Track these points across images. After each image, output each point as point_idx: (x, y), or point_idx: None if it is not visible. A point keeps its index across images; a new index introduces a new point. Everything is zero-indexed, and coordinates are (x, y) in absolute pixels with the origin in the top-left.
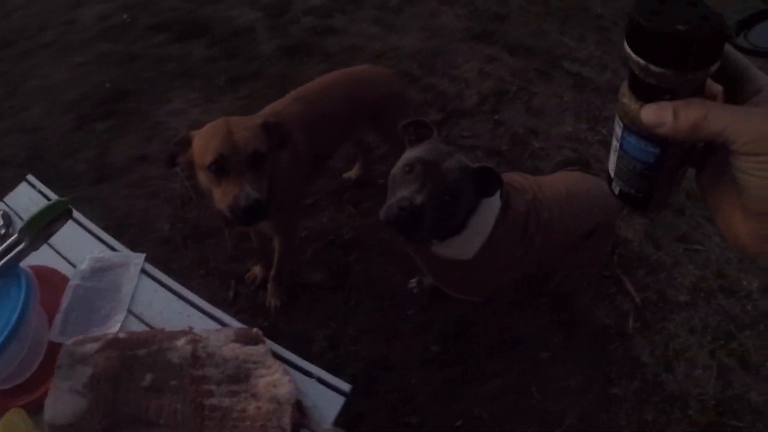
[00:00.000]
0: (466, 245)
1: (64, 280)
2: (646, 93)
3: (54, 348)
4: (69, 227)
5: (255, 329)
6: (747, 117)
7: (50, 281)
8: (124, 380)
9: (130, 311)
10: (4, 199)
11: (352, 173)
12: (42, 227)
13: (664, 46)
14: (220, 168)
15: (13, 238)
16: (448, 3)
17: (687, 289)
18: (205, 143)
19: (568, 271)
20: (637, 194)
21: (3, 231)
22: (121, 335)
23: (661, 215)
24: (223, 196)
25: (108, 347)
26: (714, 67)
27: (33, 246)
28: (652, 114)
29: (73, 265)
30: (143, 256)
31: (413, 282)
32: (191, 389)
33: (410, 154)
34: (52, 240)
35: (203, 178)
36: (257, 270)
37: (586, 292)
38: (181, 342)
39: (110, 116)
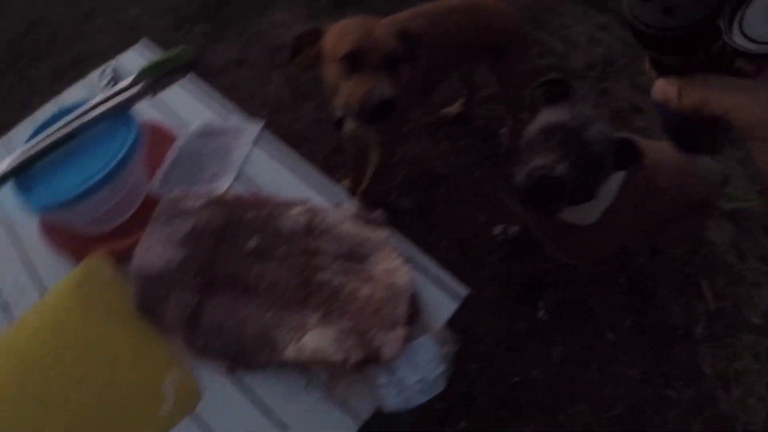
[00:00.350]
0: (589, 211)
1: (172, 136)
2: (657, 68)
3: (149, 201)
4: (184, 88)
5: (379, 210)
6: (750, 101)
7: (157, 135)
8: (226, 240)
9: (239, 177)
10: (118, 57)
11: (452, 109)
12: (162, 75)
13: (657, 40)
14: (355, 62)
15: (130, 79)
16: None
17: (761, 313)
18: (340, 35)
19: (662, 247)
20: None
21: (111, 84)
22: (228, 196)
23: (751, 228)
24: (354, 90)
25: (213, 204)
26: (718, 43)
27: (149, 92)
28: (659, 92)
29: (184, 125)
30: (261, 123)
31: (498, 229)
32: (300, 261)
33: (548, 117)
34: (165, 98)
35: (332, 70)
36: (346, 184)
37: (664, 284)
38: (296, 211)
39: (210, 20)
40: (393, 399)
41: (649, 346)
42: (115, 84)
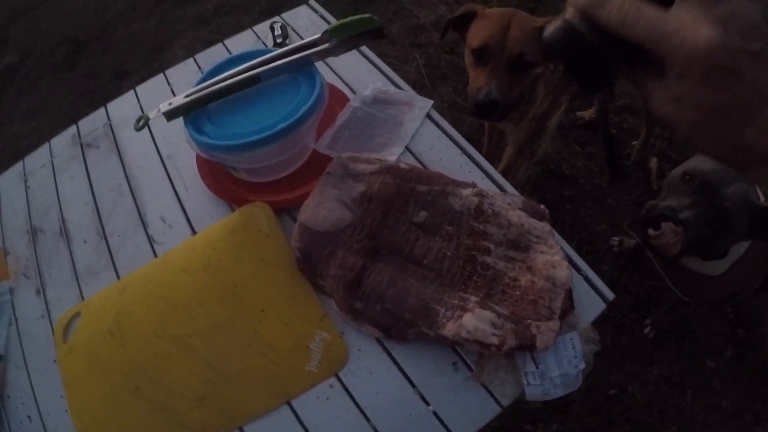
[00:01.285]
0: (717, 265)
1: (344, 99)
2: None
3: (314, 159)
4: (356, 58)
5: (542, 206)
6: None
7: (331, 95)
8: (396, 209)
9: (408, 149)
10: (282, 15)
11: (586, 114)
12: (348, 36)
13: None
14: (482, 56)
15: (316, 36)
16: None
17: None
18: (480, 27)
19: None
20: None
21: (279, 41)
22: (402, 165)
23: None
24: (473, 82)
25: (385, 172)
26: None
27: (334, 51)
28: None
29: (354, 92)
30: (431, 102)
31: (615, 240)
32: (467, 241)
33: (696, 163)
34: (335, 65)
35: (467, 57)
36: None
37: None
38: (467, 191)
39: None
40: (534, 389)
41: (746, 380)
42: (284, 40)
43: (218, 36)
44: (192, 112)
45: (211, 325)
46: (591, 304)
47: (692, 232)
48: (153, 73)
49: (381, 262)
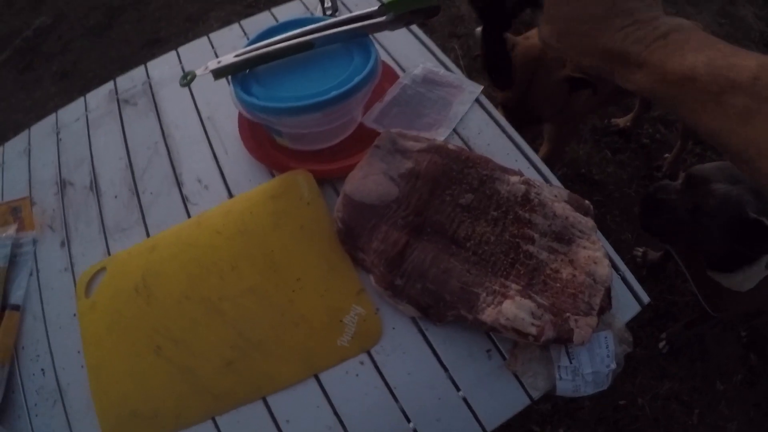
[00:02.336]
0: (743, 281)
1: (393, 75)
2: None
3: (360, 132)
4: (406, 37)
5: (587, 201)
6: None
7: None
8: (442, 189)
9: (455, 131)
10: None
11: (621, 121)
12: (405, 12)
13: None
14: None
15: (373, 8)
16: None
17: None
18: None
19: None
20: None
21: (329, 12)
22: (451, 146)
23: None
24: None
25: (434, 151)
26: None
27: (389, 25)
28: None
29: (403, 70)
30: (481, 87)
31: (639, 251)
32: (512, 228)
33: (715, 165)
34: (385, 41)
35: None
36: None
37: None
38: (514, 179)
39: None
40: (566, 384)
41: (753, 406)
42: (333, 12)
43: (255, 10)
44: (240, 74)
45: (244, 290)
46: (626, 305)
47: (671, 214)
48: (187, 42)
49: (424, 241)
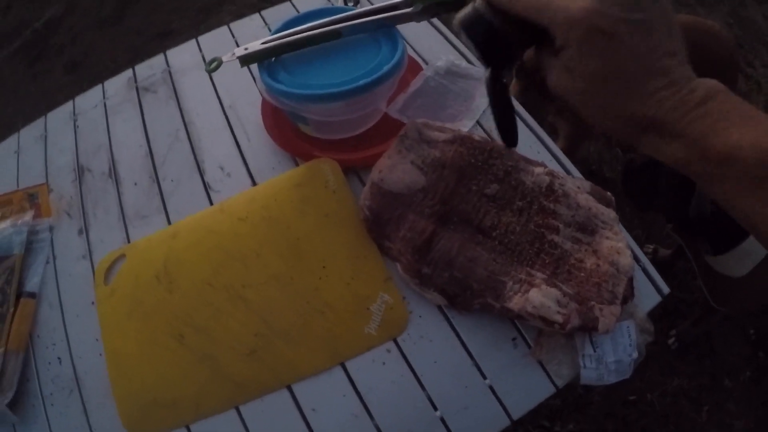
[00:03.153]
0: (735, 264)
1: (416, 67)
2: None
3: (384, 122)
4: (428, 29)
5: (609, 193)
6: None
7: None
8: (468, 179)
9: (479, 123)
10: None
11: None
12: (432, 3)
13: None
14: None
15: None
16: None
17: None
18: None
19: None
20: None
21: (351, 3)
22: (476, 137)
23: None
24: None
25: (459, 142)
26: None
27: (417, 17)
28: None
29: (426, 62)
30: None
31: (650, 248)
32: (537, 218)
33: None
34: (408, 33)
35: None
36: None
37: None
38: (538, 170)
39: None
40: (590, 372)
41: (760, 404)
42: (356, 3)
43: (267, 4)
44: (266, 61)
45: (268, 278)
46: (647, 295)
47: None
48: (199, 35)
49: (450, 230)
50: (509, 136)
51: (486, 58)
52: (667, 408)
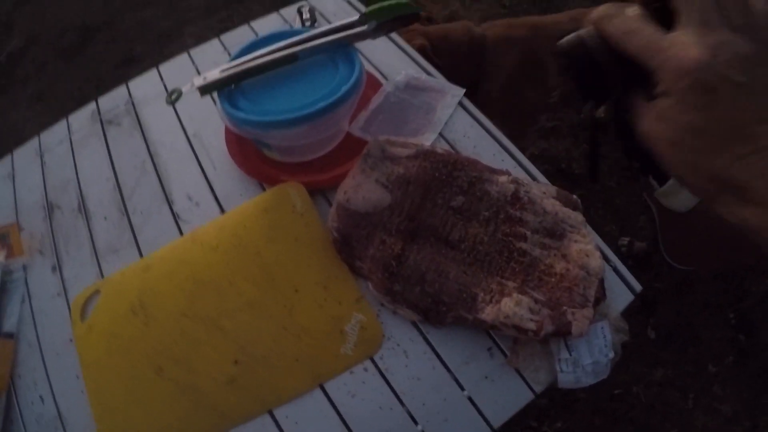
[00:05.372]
0: (677, 195)
1: (376, 84)
2: None
3: (346, 141)
4: (386, 44)
5: (575, 196)
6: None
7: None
8: (433, 193)
9: (442, 135)
10: None
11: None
12: (386, 20)
13: None
14: None
15: (355, 18)
16: None
17: None
18: None
19: None
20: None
21: (308, 24)
22: (439, 151)
23: None
24: None
25: (422, 156)
26: None
27: (372, 34)
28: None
29: (385, 78)
30: (463, 90)
31: (624, 241)
32: (504, 227)
33: None
34: (366, 50)
35: None
36: None
37: None
38: (503, 179)
39: None
40: (567, 376)
41: (745, 386)
42: (312, 24)
43: (229, 24)
44: (226, 89)
45: (243, 305)
46: (620, 295)
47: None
48: (163, 60)
49: (419, 245)
50: (597, 171)
51: (583, 91)
52: (653, 398)
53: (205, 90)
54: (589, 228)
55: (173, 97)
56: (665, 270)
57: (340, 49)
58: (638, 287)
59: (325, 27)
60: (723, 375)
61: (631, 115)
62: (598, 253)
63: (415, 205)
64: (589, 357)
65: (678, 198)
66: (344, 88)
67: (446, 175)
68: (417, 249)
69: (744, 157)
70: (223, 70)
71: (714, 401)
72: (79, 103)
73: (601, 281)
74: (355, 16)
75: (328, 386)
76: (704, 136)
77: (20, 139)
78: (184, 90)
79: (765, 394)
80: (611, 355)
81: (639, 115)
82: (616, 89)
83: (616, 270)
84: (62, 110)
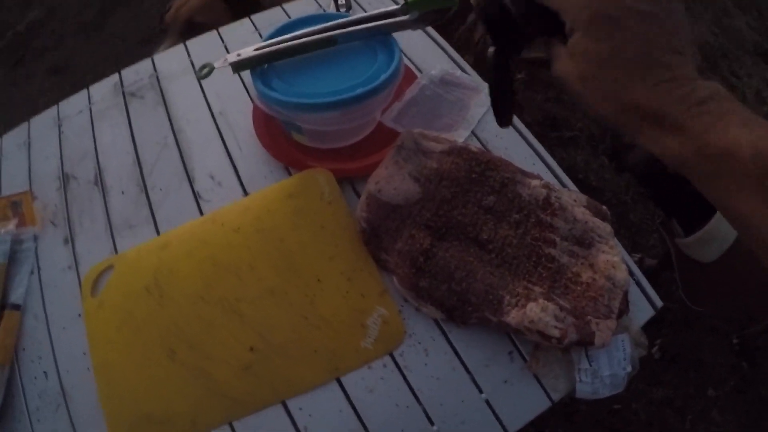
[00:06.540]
0: (703, 248)
1: (411, 76)
2: None
3: (378, 131)
4: (422, 37)
5: (604, 206)
6: None
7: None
8: (465, 191)
9: (474, 134)
10: None
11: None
12: (428, 11)
13: None
14: None
15: (395, 7)
16: (741, 8)
17: None
18: None
19: None
20: None
21: (343, 10)
22: (473, 149)
23: None
24: None
25: (456, 153)
26: None
27: (413, 24)
28: None
29: (420, 71)
30: None
31: (635, 257)
32: (534, 231)
33: None
34: (401, 41)
35: None
36: None
37: None
38: (535, 182)
39: None
40: (585, 386)
41: (743, 414)
42: (348, 10)
43: (258, 7)
44: (259, 68)
45: (263, 291)
46: (641, 309)
47: None
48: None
49: (448, 242)
50: (504, 116)
51: (495, 38)
52: (652, 417)
53: (238, 67)
54: (616, 240)
55: (204, 72)
56: (674, 289)
57: (379, 37)
58: (659, 303)
59: (363, 14)
60: (722, 400)
61: (550, 60)
62: (624, 266)
63: (446, 201)
64: (608, 369)
65: (703, 250)
66: (383, 76)
67: (479, 173)
68: (446, 246)
69: (659, 84)
70: (258, 49)
71: (712, 425)
72: (97, 78)
73: (626, 294)
74: (391, 6)
75: (344, 379)
76: (613, 66)
77: (34, 110)
78: (216, 65)
79: (762, 422)
80: (629, 368)
81: (553, 59)
82: (527, 38)
83: (639, 284)
84: (79, 85)
